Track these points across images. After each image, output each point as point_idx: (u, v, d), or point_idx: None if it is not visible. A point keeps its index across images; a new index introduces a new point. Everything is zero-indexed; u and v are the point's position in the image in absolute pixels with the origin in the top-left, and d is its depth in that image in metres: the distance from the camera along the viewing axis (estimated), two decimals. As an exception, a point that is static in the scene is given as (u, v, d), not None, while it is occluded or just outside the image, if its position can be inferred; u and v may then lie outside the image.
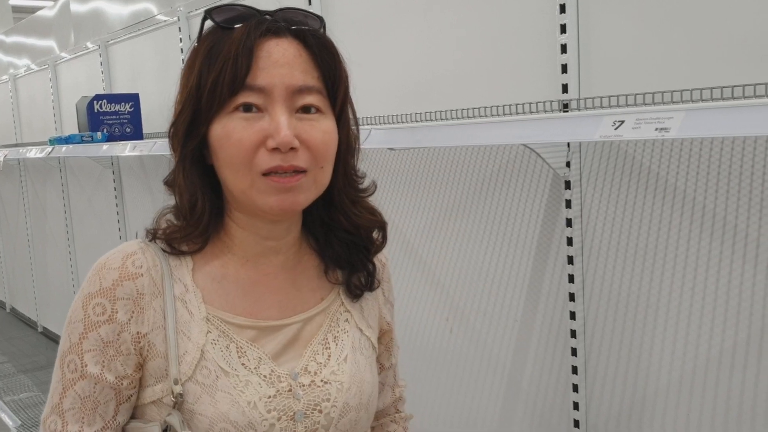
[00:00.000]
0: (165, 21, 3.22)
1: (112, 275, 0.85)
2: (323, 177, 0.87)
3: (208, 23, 0.85)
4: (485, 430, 1.96)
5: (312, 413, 0.87)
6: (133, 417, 0.88)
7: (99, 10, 4.00)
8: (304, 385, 0.87)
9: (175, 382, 0.83)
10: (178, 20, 3.07)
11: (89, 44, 4.03)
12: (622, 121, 0.99)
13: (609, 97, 1.51)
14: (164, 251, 0.89)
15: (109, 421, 0.85)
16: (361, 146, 0.97)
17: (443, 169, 1.96)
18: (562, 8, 1.58)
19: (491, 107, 1.63)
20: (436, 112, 1.79)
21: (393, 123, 1.94)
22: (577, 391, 1.69)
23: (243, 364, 0.85)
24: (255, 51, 0.81)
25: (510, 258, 1.82)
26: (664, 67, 1.43)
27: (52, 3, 4.96)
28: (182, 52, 3.05)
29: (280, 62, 0.82)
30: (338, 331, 0.94)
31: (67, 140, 3.41)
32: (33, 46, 5.14)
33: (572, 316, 1.67)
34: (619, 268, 1.58)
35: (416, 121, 1.86)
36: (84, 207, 4.17)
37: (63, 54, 4.47)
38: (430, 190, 2.01)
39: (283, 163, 0.81)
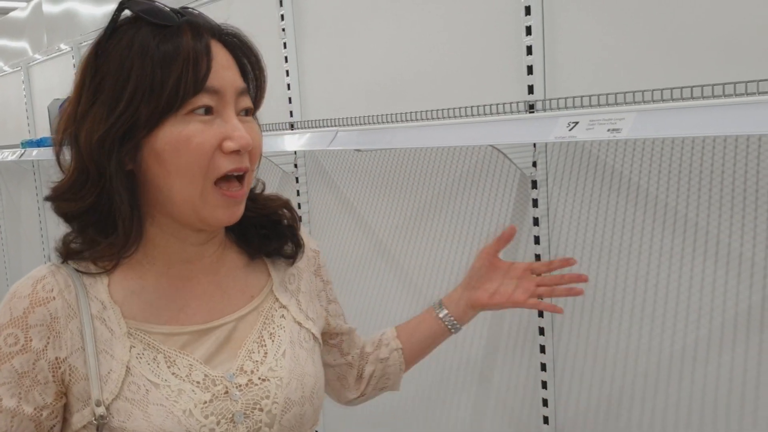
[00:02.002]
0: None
1: (23, 303, 0.81)
2: (253, 177, 0.89)
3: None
4: (458, 427, 1.98)
5: (252, 413, 0.86)
6: None
7: (72, 11, 3.97)
8: (240, 386, 0.87)
9: (97, 404, 0.80)
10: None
11: (62, 45, 4.00)
12: (576, 123, 1.01)
13: (573, 98, 1.52)
14: (78, 271, 0.86)
15: None
16: (330, 147, 0.99)
17: (414, 170, 1.98)
18: (527, 10, 1.60)
19: (459, 108, 1.64)
20: (404, 113, 1.80)
21: (361, 124, 1.95)
22: (546, 388, 1.71)
23: (173, 374, 0.84)
24: (211, 53, 0.81)
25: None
26: (626, 67, 1.46)
27: (24, 4, 4.91)
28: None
29: (224, 65, 0.83)
30: (274, 328, 0.94)
31: (39, 143, 3.39)
32: (5, 48, 5.09)
33: (540, 313, 1.69)
34: (585, 266, 1.60)
35: (385, 122, 1.87)
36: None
37: (36, 56, 4.43)
38: (402, 190, 2.02)
39: (241, 165, 0.82)
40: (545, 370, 1.70)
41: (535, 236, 1.67)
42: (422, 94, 1.89)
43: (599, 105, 1.42)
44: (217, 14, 2.43)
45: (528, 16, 1.60)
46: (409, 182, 2.00)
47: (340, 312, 1.14)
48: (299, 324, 0.97)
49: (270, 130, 2.33)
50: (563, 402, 1.69)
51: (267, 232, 0.98)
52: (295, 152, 2.32)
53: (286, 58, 2.31)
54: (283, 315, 0.96)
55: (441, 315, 1.20)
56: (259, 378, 0.88)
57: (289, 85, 2.31)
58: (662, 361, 1.50)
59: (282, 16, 2.28)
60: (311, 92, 2.29)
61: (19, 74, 4.65)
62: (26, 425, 0.81)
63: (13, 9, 5.25)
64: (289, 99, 2.31)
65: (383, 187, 2.08)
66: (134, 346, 0.84)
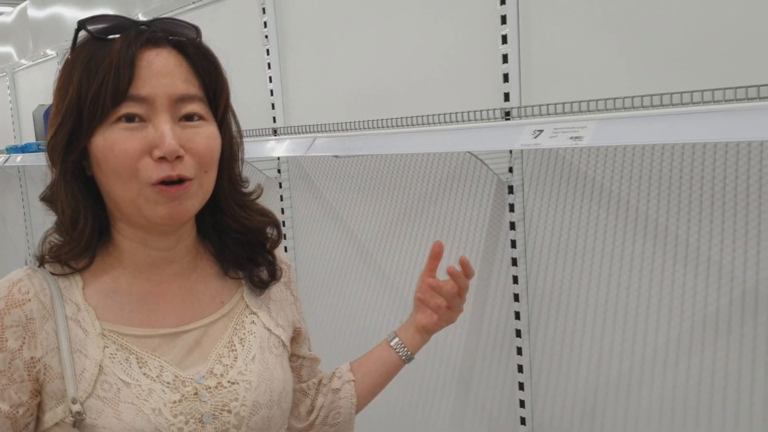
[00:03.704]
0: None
1: None
2: (208, 182, 0.89)
3: (83, 35, 0.85)
4: (439, 427, 2.00)
5: (221, 414, 0.89)
6: None
7: (57, 15, 3.98)
8: (210, 388, 0.89)
9: (73, 401, 0.83)
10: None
11: (48, 51, 4.01)
12: (541, 131, 1.05)
13: (548, 105, 1.56)
14: (53, 274, 0.89)
15: None
16: (308, 153, 1.00)
17: (395, 175, 2.01)
18: (503, 19, 1.63)
19: (434, 115, 1.68)
20: (381, 120, 1.83)
21: (342, 130, 1.98)
22: (523, 389, 1.74)
23: (145, 374, 0.86)
24: (136, 61, 0.83)
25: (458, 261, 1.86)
26: (599, 75, 1.49)
27: (10, 9, 4.92)
28: (140, 59, 3.06)
29: (162, 72, 0.84)
30: (244, 333, 0.96)
31: (23, 149, 3.39)
32: (-9, 53, 5.10)
33: (517, 316, 1.72)
34: (560, 269, 1.64)
35: (363, 128, 1.90)
36: (44, 216, 4.14)
37: (22, 61, 4.44)
38: (383, 195, 2.05)
39: (172, 173, 0.83)
40: (522, 372, 1.73)
41: (511, 240, 1.71)
42: (402, 101, 1.92)
43: (572, 112, 1.45)
44: (202, 21, 2.48)
45: (504, 25, 1.63)
46: (390, 187, 2.03)
47: (307, 336, 1.14)
48: (269, 330, 0.99)
49: (253, 136, 2.36)
50: (540, 403, 1.73)
51: (245, 253, 1.00)
52: (278, 158, 2.35)
53: (269, 64, 2.33)
54: (253, 321, 0.98)
55: (392, 343, 1.19)
56: (229, 381, 0.91)
57: (272, 92, 2.34)
58: (634, 362, 1.53)
59: (265, 23, 2.31)
60: (294, 99, 2.31)
61: (4, 80, 4.65)
62: (2, 422, 0.84)
63: (1, 14, 5.26)
64: (272, 105, 2.34)
65: (365, 192, 2.11)
66: (107, 347, 0.86)
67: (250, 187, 1.00)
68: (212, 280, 0.98)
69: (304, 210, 2.36)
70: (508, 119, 1.63)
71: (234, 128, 0.97)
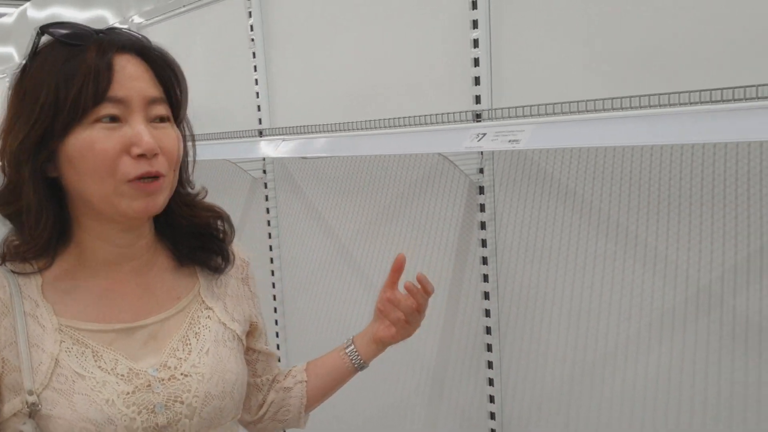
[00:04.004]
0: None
1: None
2: (174, 179, 0.96)
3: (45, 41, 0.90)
4: (413, 426, 2.05)
5: (173, 405, 0.93)
6: None
7: (56, 16, 4.04)
8: (163, 380, 0.93)
9: (29, 393, 0.87)
10: (129, 30, 3.13)
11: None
12: (484, 134, 1.10)
13: (515, 108, 1.60)
14: (13, 272, 0.93)
15: None
16: (275, 155, 1.04)
17: (373, 176, 2.06)
18: (475, 24, 1.68)
19: (409, 117, 1.72)
20: (361, 122, 1.88)
21: (323, 132, 2.03)
22: (492, 385, 1.78)
23: (99, 367, 0.91)
24: (113, 66, 0.88)
25: (433, 260, 1.91)
26: (567, 78, 1.53)
27: (13, 10, 4.98)
28: (133, 61, 3.12)
29: (134, 76, 0.90)
30: (199, 327, 1.00)
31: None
32: (-8, 54, 5.16)
33: (487, 313, 1.77)
34: (527, 268, 1.68)
35: (342, 130, 1.95)
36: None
37: (24, 62, 4.49)
38: (362, 195, 2.10)
39: (150, 169, 0.89)
40: (491, 368, 1.78)
41: (482, 239, 1.75)
42: (379, 104, 1.97)
43: (539, 114, 1.50)
44: (192, 24, 2.50)
45: (475, 30, 1.68)
46: (369, 187, 2.07)
47: (263, 331, 1.18)
48: (224, 324, 1.04)
49: (240, 137, 2.41)
50: (509, 398, 1.77)
51: (197, 243, 1.05)
52: (264, 159, 2.40)
53: (255, 67, 2.38)
54: (208, 316, 1.03)
55: (347, 350, 1.22)
56: (182, 374, 0.95)
57: (258, 94, 2.39)
58: (597, 358, 1.57)
59: (251, 26, 2.36)
60: (279, 100, 2.36)
61: (4, 81, 4.72)
62: None
63: (1, 15, 5.32)
64: (258, 107, 2.39)
65: (345, 192, 2.16)
66: (64, 341, 0.91)
67: (196, 189, 1.05)
68: (169, 277, 1.03)
69: (289, 210, 2.41)
70: (479, 121, 1.68)
71: (188, 132, 1.02)
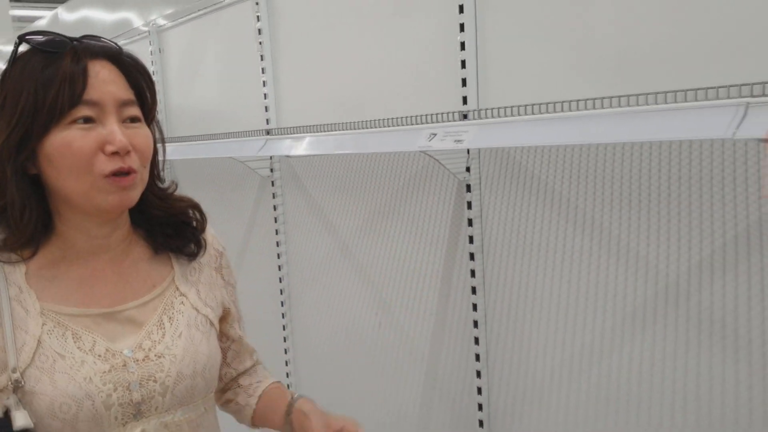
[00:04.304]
0: (143, 32, 3.39)
1: None
2: (146, 175, 1.04)
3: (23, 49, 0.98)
4: (409, 416, 2.12)
5: (147, 383, 1.02)
6: None
7: (86, 18, 4.17)
8: (138, 360, 1.02)
9: (13, 371, 0.96)
10: (149, 34, 3.24)
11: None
12: (435, 134, 1.16)
13: (501, 108, 1.65)
14: (0, 261, 1.02)
15: None
16: (258, 154, 1.10)
17: (372, 174, 2.12)
18: (462, 27, 1.74)
19: (401, 118, 1.79)
20: (356, 122, 1.95)
21: (323, 132, 2.10)
22: (480, 377, 1.84)
23: (78, 348, 0.99)
24: (87, 71, 0.97)
25: (426, 256, 1.98)
26: (549, 79, 1.58)
27: (48, 13, 5.15)
28: (152, 64, 3.23)
29: (108, 80, 0.99)
30: (173, 312, 1.09)
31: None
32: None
33: (474, 307, 1.83)
34: (511, 263, 1.74)
35: (339, 130, 2.02)
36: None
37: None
38: (362, 193, 2.17)
39: (124, 165, 0.97)
40: (479, 360, 1.84)
41: (469, 236, 1.81)
42: (373, 105, 2.04)
43: (525, 114, 1.54)
44: (206, 28, 2.59)
45: (462, 32, 1.73)
46: (366, 186, 2.14)
47: (236, 319, 1.25)
48: (197, 310, 1.12)
49: (248, 137, 2.50)
50: (495, 390, 1.83)
51: (171, 231, 1.14)
52: (271, 157, 2.48)
53: (263, 69, 2.47)
54: (182, 302, 1.11)
55: (288, 415, 1.21)
56: (155, 355, 1.04)
57: (265, 95, 2.47)
58: (575, 352, 1.62)
59: (259, 30, 2.45)
60: (286, 101, 2.44)
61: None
62: None
63: (39, 18, 5.50)
64: (266, 108, 2.48)
65: (345, 190, 2.23)
66: (45, 324, 1.00)
67: (166, 184, 1.15)
68: (145, 266, 1.12)
69: (294, 207, 2.49)
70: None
71: (157, 133, 1.10)
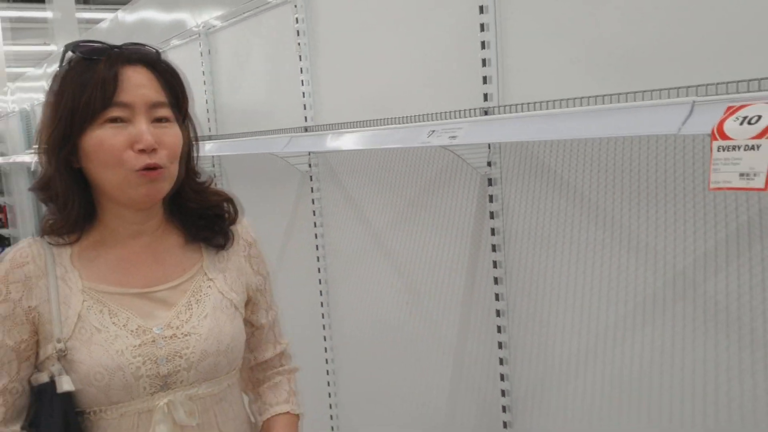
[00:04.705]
0: (194, 35, 3.53)
1: (5, 266, 1.12)
2: (175, 170, 1.15)
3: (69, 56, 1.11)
4: (437, 400, 2.20)
5: (174, 358, 1.13)
6: (37, 370, 1.14)
7: (143, 20, 4.35)
8: (166, 337, 1.14)
9: (58, 341, 1.10)
10: (199, 36, 3.39)
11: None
12: (434, 131, 1.24)
13: (521, 105, 1.72)
14: (50, 244, 1.15)
15: (14, 376, 1.12)
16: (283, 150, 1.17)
17: (403, 169, 2.21)
18: (483, 27, 1.80)
19: (424, 115, 1.87)
20: (385, 119, 2.04)
21: (353, 128, 2.20)
22: (503, 364, 1.92)
23: (114, 323, 1.12)
24: (119, 76, 1.08)
25: (452, 247, 2.06)
26: (567, 77, 1.64)
27: (113, 15, 5.38)
28: (202, 65, 3.37)
29: (139, 84, 1.10)
30: (201, 295, 1.20)
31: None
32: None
33: (497, 297, 1.90)
34: (531, 254, 1.80)
35: (367, 127, 2.11)
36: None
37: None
38: (392, 188, 2.26)
39: (150, 161, 1.09)
40: (502, 348, 1.91)
41: (491, 228, 1.88)
42: (400, 102, 2.12)
43: (542, 110, 1.60)
44: (249, 29, 2.72)
45: (483, 32, 1.80)
46: (396, 181, 2.23)
47: (264, 308, 1.34)
48: (222, 294, 1.23)
49: (287, 133, 2.61)
50: (517, 376, 1.90)
51: (204, 223, 1.25)
52: (309, 153, 2.59)
53: (301, 69, 2.58)
54: (210, 286, 1.22)
55: None
56: (183, 333, 1.16)
57: (304, 93, 2.58)
58: (590, 339, 1.68)
59: (298, 32, 2.55)
60: (323, 99, 2.55)
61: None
62: (9, 354, 1.11)
63: (103, 20, 5.75)
64: (304, 105, 2.59)
65: (377, 184, 2.33)
66: (86, 300, 1.13)
67: (203, 178, 1.26)
68: (178, 252, 1.23)
69: (331, 201, 2.59)
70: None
71: (191, 132, 1.21)
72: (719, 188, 0.82)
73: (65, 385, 1.09)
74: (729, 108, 0.82)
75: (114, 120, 1.09)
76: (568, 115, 1.08)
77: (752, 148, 0.75)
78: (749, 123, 0.76)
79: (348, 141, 1.69)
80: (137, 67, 1.12)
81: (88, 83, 1.08)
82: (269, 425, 1.33)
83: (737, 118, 0.78)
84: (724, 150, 0.78)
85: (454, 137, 1.16)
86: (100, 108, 1.08)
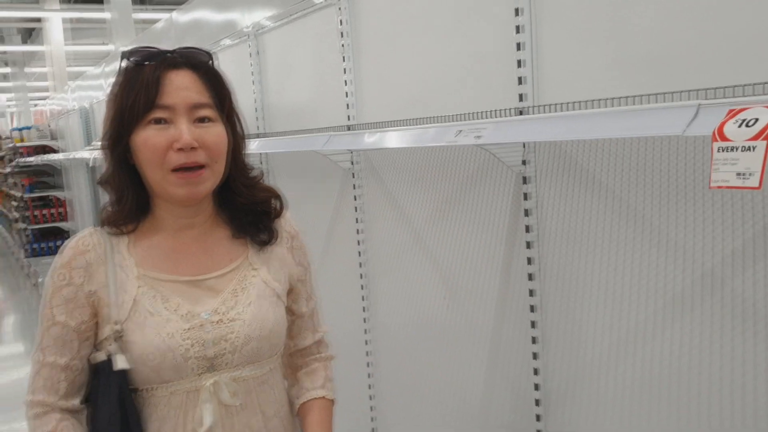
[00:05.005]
0: (244, 36, 3.64)
1: (69, 253, 1.23)
2: (219, 168, 1.23)
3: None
4: (473, 393, 2.25)
5: (220, 342, 1.22)
6: (96, 349, 1.24)
7: (196, 20, 4.49)
8: (213, 322, 1.22)
9: (115, 323, 1.19)
10: (248, 37, 3.49)
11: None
12: (461, 131, 1.29)
13: (554, 105, 1.76)
14: (109, 233, 1.25)
15: (75, 353, 1.22)
16: (323, 148, 1.24)
17: (440, 166, 2.26)
18: (518, 29, 1.85)
19: (457, 115, 1.92)
20: (423, 118, 2.10)
21: (393, 126, 2.26)
22: (536, 358, 1.96)
23: (166, 308, 1.21)
24: (162, 80, 1.17)
25: (488, 243, 2.10)
26: (597, 78, 1.67)
27: (167, 16, 5.54)
28: (251, 65, 3.48)
29: (181, 87, 1.18)
30: (246, 284, 1.28)
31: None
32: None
33: (531, 293, 1.94)
34: (564, 251, 1.84)
35: (406, 125, 2.17)
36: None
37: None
38: (430, 185, 2.32)
39: (188, 160, 1.17)
40: (535, 343, 1.95)
41: (526, 225, 1.92)
42: (441, 102, 2.18)
43: (574, 110, 1.64)
44: (296, 31, 2.81)
45: (519, 34, 1.84)
46: (435, 178, 2.29)
47: (305, 297, 1.42)
48: (266, 283, 1.31)
49: (331, 131, 2.69)
50: (550, 371, 1.94)
51: (251, 219, 1.33)
52: (351, 151, 2.67)
53: (345, 69, 2.65)
54: (254, 275, 1.30)
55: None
56: (228, 319, 1.24)
57: (347, 93, 2.66)
58: (621, 336, 1.71)
59: (342, 33, 2.63)
60: (365, 98, 2.62)
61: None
62: (71, 334, 1.21)
63: (159, 20, 5.93)
64: (347, 104, 2.66)
65: (416, 182, 2.38)
66: (141, 286, 1.22)
67: (255, 173, 1.34)
68: (225, 243, 1.32)
69: (372, 197, 2.66)
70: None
71: (239, 128, 1.29)
72: (719, 187, 0.86)
73: (121, 363, 1.19)
74: (730, 111, 0.86)
75: (158, 121, 1.17)
76: (582, 116, 1.12)
77: (749, 149, 0.78)
78: (747, 125, 0.80)
79: (382, 139, 1.76)
80: (181, 70, 1.21)
81: (135, 87, 1.17)
82: (305, 408, 1.40)
83: (737, 121, 0.82)
84: (723, 151, 0.82)
85: (479, 137, 1.22)
86: (144, 110, 1.17)
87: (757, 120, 0.79)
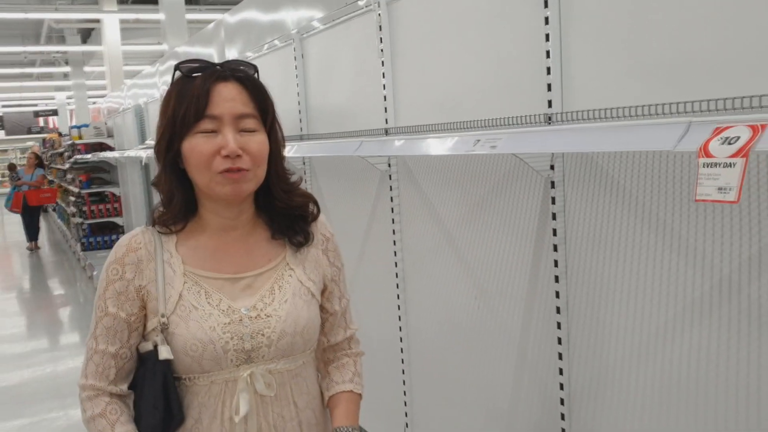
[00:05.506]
0: (288, 40, 3.75)
1: (122, 249, 1.33)
2: (260, 173, 1.32)
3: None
4: (502, 391, 2.31)
5: (257, 336, 1.31)
6: (144, 339, 1.34)
7: (244, 22, 4.61)
8: (251, 317, 1.32)
9: (162, 316, 1.29)
10: (293, 41, 3.59)
11: (248, 54, 4.63)
12: (478, 140, 1.35)
13: (583, 111, 1.80)
14: (159, 232, 1.35)
15: (124, 342, 1.32)
16: (354, 154, 1.30)
17: (473, 170, 2.32)
18: (547, 37, 1.90)
19: (486, 120, 1.98)
20: (453, 123, 2.15)
21: (425, 132, 2.32)
22: (561, 359, 2.00)
23: (208, 303, 1.31)
24: (210, 91, 1.26)
25: (517, 246, 2.16)
26: (623, 86, 1.71)
27: (219, 17, 5.70)
28: (295, 68, 3.58)
29: (227, 98, 1.27)
30: (283, 282, 1.37)
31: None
32: (199, 55, 5.90)
33: (557, 295, 1.99)
34: (590, 255, 1.88)
35: (438, 131, 2.23)
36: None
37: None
38: (462, 188, 2.38)
39: (233, 166, 1.26)
40: (560, 344, 2.00)
41: (553, 228, 1.97)
42: (472, 106, 2.23)
43: (600, 118, 1.68)
44: (338, 36, 2.92)
45: (547, 42, 1.90)
46: (467, 181, 2.35)
47: (338, 296, 1.50)
48: (301, 282, 1.40)
49: (369, 135, 2.77)
50: (575, 371, 1.98)
51: (288, 222, 1.42)
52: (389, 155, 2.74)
53: (383, 74, 2.73)
54: (290, 275, 1.40)
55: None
56: (265, 314, 1.33)
57: (385, 97, 2.73)
58: (643, 338, 1.75)
59: (381, 39, 2.70)
60: (401, 102, 2.69)
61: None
62: (122, 325, 1.32)
63: (212, 21, 6.09)
64: (385, 108, 2.73)
65: (449, 185, 2.45)
66: (186, 282, 1.32)
67: (294, 178, 1.43)
68: (264, 244, 1.41)
69: (408, 199, 2.73)
70: (549, 124, 1.90)
71: (280, 136, 1.38)
72: (703, 200, 0.90)
73: (165, 353, 1.29)
74: (716, 129, 0.90)
75: (204, 130, 1.26)
76: (583, 130, 1.17)
77: (729, 165, 0.82)
78: (729, 143, 0.84)
79: (407, 146, 1.83)
80: (228, 83, 1.30)
81: (186, 98, 1.27)
82: (334, 401, 1.49)
83: (720, 139, 0.86)
84: (707, 166, 0.86)
85: (494, 147, 1.28)
86: (194, 120, 1.26)
87: (738, 138, 0.84)
